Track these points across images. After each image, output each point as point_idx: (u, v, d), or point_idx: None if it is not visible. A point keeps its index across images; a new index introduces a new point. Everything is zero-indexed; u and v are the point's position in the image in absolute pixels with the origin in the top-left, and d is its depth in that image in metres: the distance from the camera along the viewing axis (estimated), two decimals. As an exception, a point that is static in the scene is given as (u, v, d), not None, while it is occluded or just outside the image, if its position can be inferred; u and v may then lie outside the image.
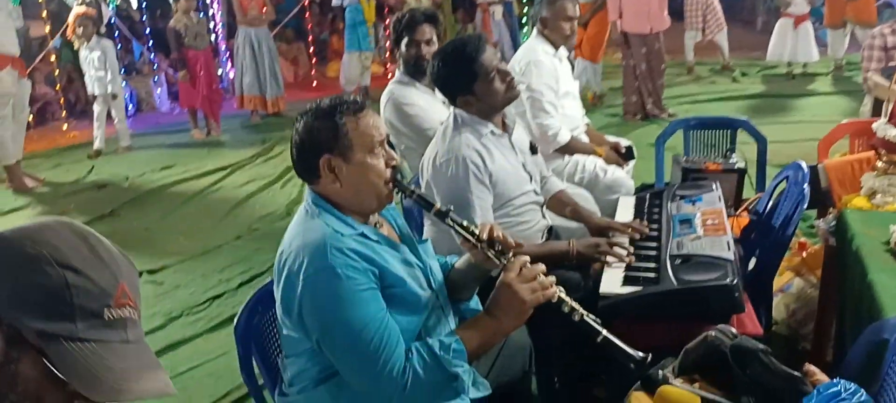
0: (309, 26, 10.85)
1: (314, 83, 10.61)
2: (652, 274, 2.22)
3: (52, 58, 8.69)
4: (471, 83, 2.47)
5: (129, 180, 6.27)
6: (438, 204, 1.82)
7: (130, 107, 9.38)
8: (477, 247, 1.79)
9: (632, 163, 4.01)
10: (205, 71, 7.58)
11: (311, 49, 11.03)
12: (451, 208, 1.83)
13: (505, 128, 2.63)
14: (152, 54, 10.04)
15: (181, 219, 5.23)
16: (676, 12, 10.40)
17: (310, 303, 1.63)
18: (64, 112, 8.78)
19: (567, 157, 3.76)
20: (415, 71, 3.44)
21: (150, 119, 9.17)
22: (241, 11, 8.22)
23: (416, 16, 3.60)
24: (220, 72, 10.00)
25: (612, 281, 2.23)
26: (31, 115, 7.58)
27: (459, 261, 1.97)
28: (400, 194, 1.84)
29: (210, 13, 9.92)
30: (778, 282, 3.25)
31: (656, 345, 2.25)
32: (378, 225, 1.84)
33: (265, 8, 8.41)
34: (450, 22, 10.99)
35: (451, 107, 2.59)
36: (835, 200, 3.03)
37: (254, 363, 1.89)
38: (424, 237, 2.69)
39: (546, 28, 3.78)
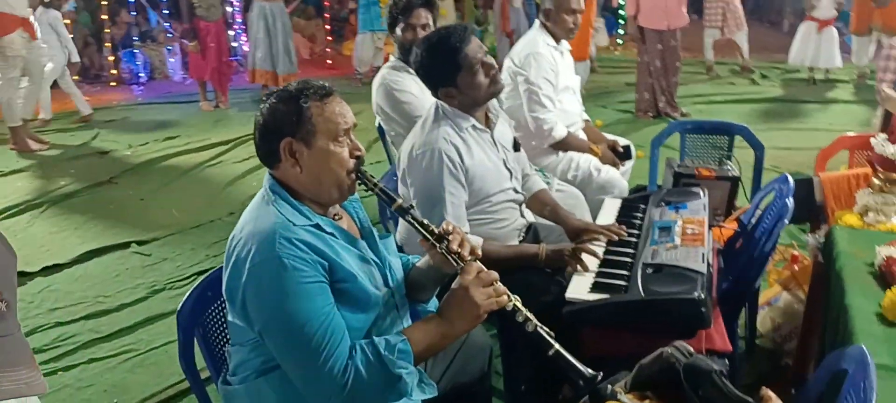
0: (326, 3, 10.79)
1: (329, 61, 10.57)
2: (622, 282, 2.17)
3: (67, 22, 8.67)
4: (454, 75, 2.41)
5: (131, 148, 6.29)
6: (400, 200, 1.77)
7: (143, 74, 9.41)
8: (435, 247, 1.74)
9: (629, 163, 3.94)
10: (215, 43, 7.55)
11: (328, 27, 10.97)
12: (413, 205, 1.79)
13: (488, 122, 2.57)
14: (168, 23, 10.03)
15: (177, 191, 5.22)
16: (697, 9, 10.25)
17: (253, 293, 1.59)
18: (75, 77, 8.79)
19: (561, 154, 3.69)
20: (409, 56, 3.38)
21: (162, 87, 9.18)
22: (256, -15, 8.18)
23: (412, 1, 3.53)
24: (234, 45, 10.00)
25: (579, 287, 2.18)
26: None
27: (421, 261, 1.92)
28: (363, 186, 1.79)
29: (226, -15, 9.91)
30: (766, 295, 3.18)
31: (624, 355, 2.20)
32: (337, 217, 1.79)
33: (281, -19, 8.36)
34: (469, 6, 10.90)
35: (434, 98, 2.53)
36: (828, 215, 2.94)
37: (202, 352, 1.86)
38: (399, 231, 2.65)
39: (549, 20, 3.70)
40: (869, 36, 8.48)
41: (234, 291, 1.62)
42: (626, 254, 2.36)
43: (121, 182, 5.40)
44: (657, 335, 2.07)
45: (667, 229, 2.43)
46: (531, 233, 2.75)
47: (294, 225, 1.63)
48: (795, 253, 3.29)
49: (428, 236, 1.73)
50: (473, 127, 2.47)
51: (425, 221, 1.76)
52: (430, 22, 3.56)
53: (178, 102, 8.21)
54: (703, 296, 1.98)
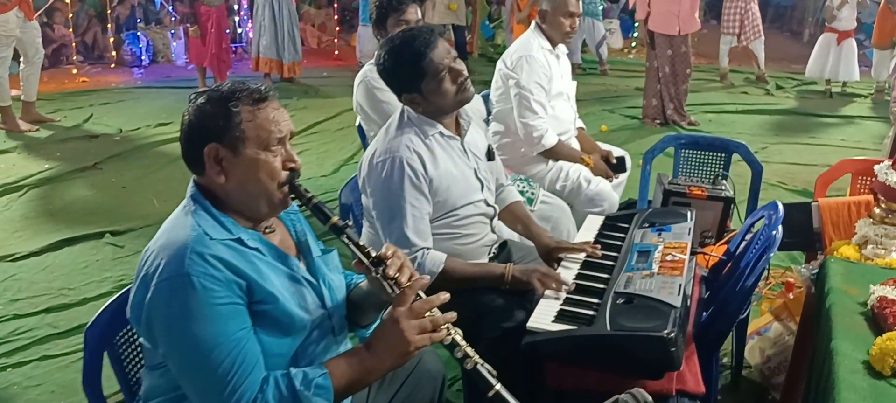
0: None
1: (336, 52, 10.42)
2: (590, 312, 1.99)
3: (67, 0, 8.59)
4: (418, 81, 2.23)
5: (122, 133, 6.16)
6: (335, 218, 1.60)
7: (145, 57, 9.29)
8: (370, 272, 1.58)
9: (623, 176, 3.75)
10: (216, 28, 7.41)
11: (337, 16, 10.82)
12: (350, 223, 1.62)
13: (459, 129, 2.40)
14: (171, 5, 9.91)
15: (160, 180, 5.08)
16: (716, 14, 10.01)
17: (159, 312, 1.44)
18: (73, 56, 8.71)
19: (551, 163, 3.52)
20: None
21: (163, 71, 9.07)
22: (261, -29, 8.04)
23: (403, -7, 3.37)
24: (239, 31, 9.88)
25: (543, 315, 2.00)
26: (45, 57, 7.50)
27: (363, 282, 1.76)
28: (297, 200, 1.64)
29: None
30: (756, 323, 3.00)
31: (590, 391, 2.03)
32: (267, 231, 1.64)
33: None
34: (481, 2, 10.71)
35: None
36: (826, 244, 2.74)
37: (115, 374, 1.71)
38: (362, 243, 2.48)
39: (545, 22, 3.53)
40: (891, 50, 8.20)
41: (138, 309, 1.47)
42: (601, 280, 2.19)
43: (105, 167, 5.27)
44: (623, 373, 1.91)
45: (646, 254, 2.26)
46: (504, 252, 2.58)
47: (210, 238, 1.48)
48: (791, 279, 3.10)
49: (363, 258, 1.57)
50: (441, 134, 2.30)
51: (361, 243, 1.59)
52: (420, 17, 3.42)
53: (176, 87, 8.07)
54: (672, 335, 1.80)
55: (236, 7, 10.20)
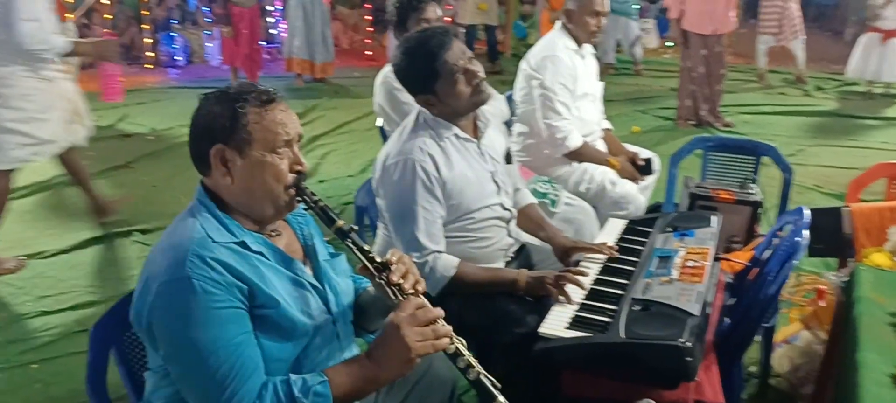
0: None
1: (368, 52, 10.44)
2: (605, 319, 1.95)
3: (104, 1, 8.74)
4: (432, 82, 2.20)
5: (154, 132, 6.24)
6: (340, 221, 1.58)
7: (180, 57, 9.42)
8: (374, 277, 1.55)
9: (651, 178, 3.67)
10: (248, 29, 7.48)
11: (370, 17, 10.84)
12: (355, 227, 1.59)
13: (476, 131, 2.36)
14: (206, 7, 10.03)
15: (189, 179, 5.04)
16: (754, 13, 9.80)
17: (159, 315, 1.44)
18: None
19: (575, 164, 3.46)
20: None
21: (198, 71, 9.17)
22: (294, -28, 8.09)
23: (422, -7, 3.35)
24: (273, 32, 9.95)
25: (556, 321, 1.96)
26: (83, 58, 7.64)
27: (370, 287, 1.74)
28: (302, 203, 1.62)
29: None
30: (785, 332, 2.91)
31: (604, 400, 2.00)
32: (273, 234, 1.62)
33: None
34: (514, 2, 10.65)
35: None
36: (857, 250, 2.65)
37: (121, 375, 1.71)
38: (377, 242, 2.46)
39: (570, 22, 3.47)
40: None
41: (140, 311, 1.47)
42: (618, 286, 2.14)
43: (136, 166, 5.34)
44: (638, 382, 1.86)
45: (666, 259, 2.20)
46: (522, 256, 2.54)
47: (213, 241, 1.47)
48: (823, 286, 3.00)
49: (367, 264, 1.55)
50: (456, 136, 2.27)
51: (366, 247, 1.57)
52: (441, 15, 3.39)
53: (211, 87, 7.90)
54: (689, 344, 1.74)
55: (270, 8, 10.28)
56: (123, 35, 9.40)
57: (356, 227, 1.58)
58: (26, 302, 3.43)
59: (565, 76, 3.38)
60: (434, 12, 3.30)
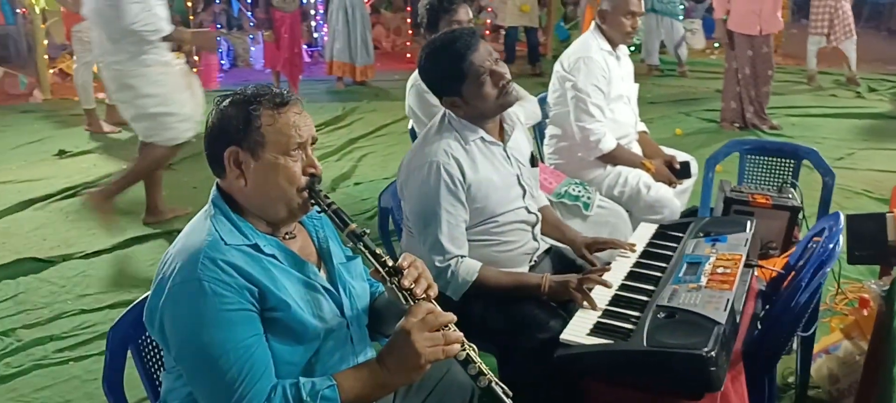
0: (410, -4, 10.74)
1: (408, 54, 10.48)
2: (629, 326, 1.90)
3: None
4: (458, 84, 2.19)
5: (197, 135, 6.35)
6: (353, 225, 1.57)
7: (225, 61, 9.57)
8: (386, 281, 1.54)
9: (688, 182, 3.59)
10: (289, 33, 7.57)
11: (410, 20, 10.89)
12: (367, 231, 1.58)
13: (502, 134, 2.33)
14: (250, 11, 10.18)
15: (230, 181, 5.19)
16: (805, 13, 9.53)
17: (170, 316, 1.45)
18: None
19: (609, 167, 3.41)
20: None
21: (242, 75, 9.31)
22: (335, -23, 8.18)
23: (453, -6, 3.34)
24: (315, 36, 10.05)
25: (578, 328, 1.92)
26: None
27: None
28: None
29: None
30: (825, 341, 2.81)
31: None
32: (288, 237, 1.62)
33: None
34: (556, 3, 10.57)
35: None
36: (901, 259, 2.55)
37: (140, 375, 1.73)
38: (403, 246, 2.45)
39: (604, 22, 3.43)
40: None
41: (152, 312, 1.49)
42: (645, 292, 2.09)
43: (179, 168, 5.43)
44: (660, 392, 1.81)
45: (695, 266, 2.14)
46: (554, 258, 2.51)
47: (225, 244, 1.48)
48: (866, 295, 2.89)
49: (379, 268, 1.53)
50: (482, 139, 2.25)
51: (378, 251, 1.55)
52: (472, 17, 3.38)
53: None
54: (713, 353, 1.69)
55: (312, 12, 10.39)
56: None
57: (368, 231, 1.57)
58: (68, 300, 3.52)
59: (599, 78, 3.33)
60: (465, 14, 3.29)
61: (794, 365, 2.70)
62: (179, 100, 4.10)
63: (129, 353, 1.74)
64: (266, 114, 1.53)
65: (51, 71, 8.03)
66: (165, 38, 3.94)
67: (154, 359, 1.76)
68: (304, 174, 1.57)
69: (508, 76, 2.22)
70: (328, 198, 1.59)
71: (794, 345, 2.59)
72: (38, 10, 7.37)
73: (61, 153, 5.81)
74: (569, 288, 2.06)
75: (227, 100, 1.58)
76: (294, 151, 1.55)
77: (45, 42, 7.82)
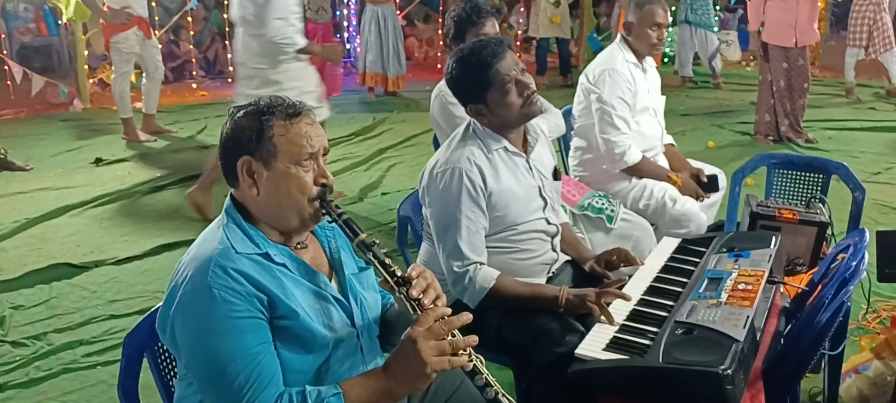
0: (441, 7, 10.78)
1: (440, 65, 10.51)
2: (645, 341, 1.87)
3: (189, 19, 9.12)
4: (483, 92, 2.20)
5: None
6: (363, 234, 1.58)
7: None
8: (394, 291, 1.55)
9: (716, 196, 3.55)
10: (321, 44, 7.64)
11: (441, 31, 10.94)
12: (376, 241, 1.59)
13: (526, 145, 2.33)
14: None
15: (255, 192, 5.26)
16: (844, 25, 9.35)
17: (181, 323, 1.48)
18: (195, 71, 9.22)
19: (634, 180, 3.38)
20: None
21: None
22: (369, -11, 8.26)
23: (481, 8, 3.36)
24: (348, 47, 10.14)
25: (594, 343, 1.90)
26: (170, 72, 8.06)
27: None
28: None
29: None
30: (854, 361, 2.74)
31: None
32: (299, 247, 1.64)
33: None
34: (588, 15, 10.53)
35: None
36: (933, 277, 2.47)
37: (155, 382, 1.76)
38: (420, 255, 2.46)
39: (630, 34, 3.41)
40: None
41: (164, 319, 1.51)
42: (663, 307, 2.06)
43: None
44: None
45: (716, 281, 2.11)
46: (574, 270, 2.49)
47: (236, 252, 1.50)
48: (898, 314, 2.82)
49: (388, 277, 1.54)
50: (505, 149, 2.25)
51: (388, 262, 1.56)
52: (498, 30, 3.38)
53: None
54: (729, 371, 1.66)
55: (345, 24, 10.49)
56: (208, 50, 9.78)
57: (377, 241, 1.58)
58: (98, 305, 3.59)
59: (624, 90, 3.31)
60: (492, 27, 3.30)
61: (821, 385, 2.64)
62: (315, 92, 4.47)
63: (145, 361, 1.76)
64: (278, 125, 1.56)
65: (90, 81, 8.22)
66: (300, 51, 4.28)
67: (169, 367, 1.79)
68: (315, 184, 1.58)
69: (533, 86, 2.23)
70: (339, 208, 1.61)
71: (823, 364, 2.53)
72: (79, 23, 7.56)
73: (98, 161, 5.94)
74: (586, 301, 2.04)
75: (242, 112, 1.60)
76: (306, 161, 1.57)
77: (86, 53, 8.03)
